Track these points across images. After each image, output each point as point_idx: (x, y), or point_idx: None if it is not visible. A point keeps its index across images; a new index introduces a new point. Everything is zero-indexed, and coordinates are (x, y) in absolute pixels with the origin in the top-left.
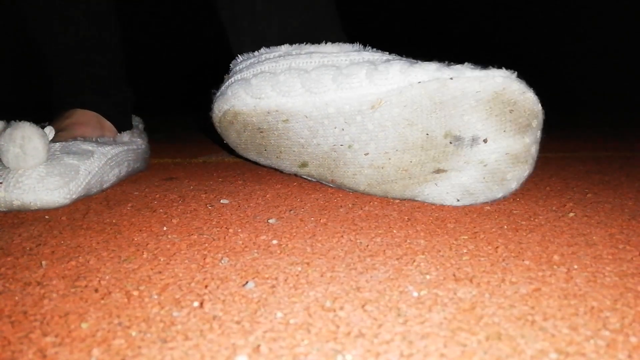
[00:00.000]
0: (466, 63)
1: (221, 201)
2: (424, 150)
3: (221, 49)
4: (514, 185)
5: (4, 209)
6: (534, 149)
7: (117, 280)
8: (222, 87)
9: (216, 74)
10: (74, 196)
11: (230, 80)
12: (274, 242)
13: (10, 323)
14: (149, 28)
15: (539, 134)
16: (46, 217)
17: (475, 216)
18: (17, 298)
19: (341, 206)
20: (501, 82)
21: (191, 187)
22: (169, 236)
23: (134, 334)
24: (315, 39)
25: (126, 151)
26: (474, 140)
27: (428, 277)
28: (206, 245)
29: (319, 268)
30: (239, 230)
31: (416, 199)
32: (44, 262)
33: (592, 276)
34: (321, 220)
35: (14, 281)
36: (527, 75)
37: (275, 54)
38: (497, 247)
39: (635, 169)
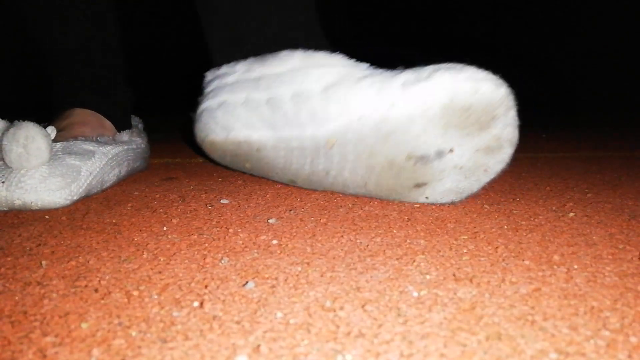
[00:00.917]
0: (430, 66)
1: (221, 201)
2: (395, 173)
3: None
4: (499, 167)
5: (5, 208)
6: (507, 132)
7: (117, 280)
8: (197, 112)
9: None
10: (75, 197)
11: (201, 106)
12: (274, 242)
13: (10, 323)
14: (149, 28)
15: (510, 115)
16: (46, 217)
17: (475, 216)
18: (17, 298)
19: (341, 206)
20: (446, 92)
21: (191, 187)
22: (169, 236)
23: (134, 334)
24: (289, 42)
25: (126, 151)
26: (440, 153)
27: (428, 277)
28: (206, 245)
29: (319, 268)
30: (239, 230)
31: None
32: (44, 262)
33: (592, 276)
34: (321, 220)
35: (14, 281)
36: (528, 76)
37: (232, 78)
38: (497, 247)
39: (635, 169)
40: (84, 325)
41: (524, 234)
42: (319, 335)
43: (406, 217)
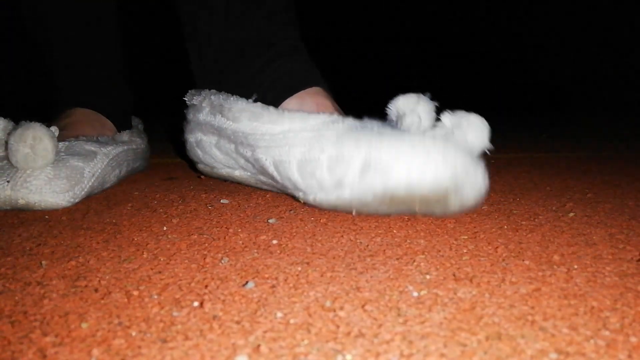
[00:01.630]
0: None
1: (221, 201)
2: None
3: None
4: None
5: (8, 207)
6: (467, 201)
7: (117, 280)
8: (184, 138)
9: None
10: (77, 200)
11: (184, 135)
12: (274, 242)
13: (10, 323)
14: (151, 27)
15: (465, 192)
16: (46, 217)
17: (475, 216)
18: (17, 298)
19: None
20: (382, 194)
21: (191, 187)
22: (169, 236)
23: (134, 334)
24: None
25: (126, 151)
26: (412, 212)
27: (428, 277)
28: (206, 245)
29: (319, 268)
30: (239, 230)
31: None
32: (44, 262)
33: (592, 276)
34: (321, 220)
35: (14, 281)
36: (528, 76)
37: (202, 117)
38: (497, 247)
39: (635, 169)
40: (84, 325)
41: (524, 234)
42: (319, 335)
43: (406, 217)
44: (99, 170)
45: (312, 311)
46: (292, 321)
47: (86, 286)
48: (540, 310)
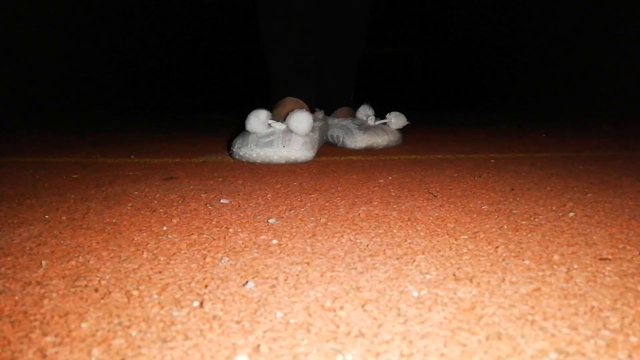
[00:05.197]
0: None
1: (221, 201)
2: None
3: (224, 52)
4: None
5: (283, 162)
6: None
7: (117, 280)
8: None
9: (216, 74)
10: (313, 155)
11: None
12: (274, 241)
13: (10, 323)
14: (153, 26)
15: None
16: (46, 217)
17: (475, 216)
18: (17, 298)
19: (341, 206)
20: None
21: (191, 187)
22: (169, 236)
23: (134, 333)
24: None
25: (323, 125)
26: None
27: (428, 277)
28: (206, 245)
29: (319, 268)
30: (239, 230)
31: None
32: (44, 262)
33: (592, 276)
34: (321, 220)
35: (14, 281)
36: (528, 76)
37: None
38: (497, 247)
39: (635, 169)
40: (84, 325)
41: (524, 234)
42: (319, 335)
43: (406, 217)
44: (317, 136)
45: (312, 311)
46: (292, 321)
47: (86, 286)
48: (540, 310)
